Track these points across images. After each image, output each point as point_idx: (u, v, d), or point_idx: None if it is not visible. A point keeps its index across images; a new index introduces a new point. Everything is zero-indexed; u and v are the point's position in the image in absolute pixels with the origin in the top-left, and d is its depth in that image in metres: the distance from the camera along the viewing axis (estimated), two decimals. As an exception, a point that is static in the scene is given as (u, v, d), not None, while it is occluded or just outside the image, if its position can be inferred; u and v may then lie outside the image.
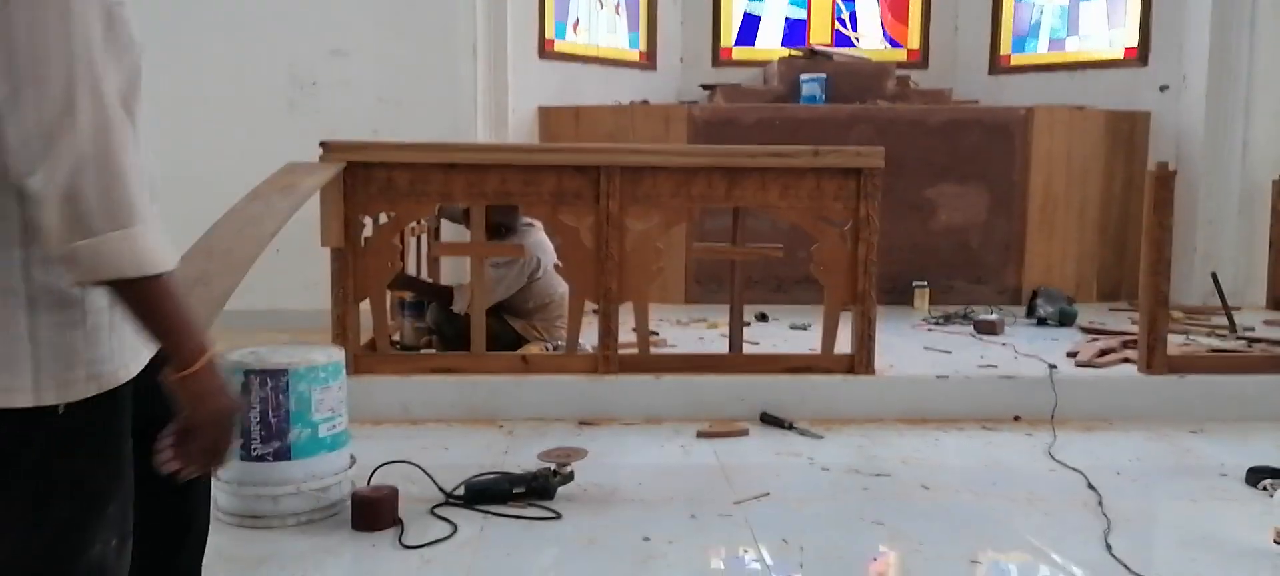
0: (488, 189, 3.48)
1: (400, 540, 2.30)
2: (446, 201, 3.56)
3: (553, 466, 2.67)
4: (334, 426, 2.48)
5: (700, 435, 3.32)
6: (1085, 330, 4.77)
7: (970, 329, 4.77)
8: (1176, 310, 5.36)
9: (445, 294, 3.85)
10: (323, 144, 3.37)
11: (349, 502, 2.44)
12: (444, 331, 3.84)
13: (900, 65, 6.85)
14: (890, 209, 5.76)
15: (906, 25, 6.98)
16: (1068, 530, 2.45)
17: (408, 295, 4.00)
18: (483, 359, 3.54)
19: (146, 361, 1.22)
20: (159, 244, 1.06)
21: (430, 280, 4.18)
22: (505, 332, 3.84)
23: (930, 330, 4.82)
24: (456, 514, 2.49)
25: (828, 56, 6.38)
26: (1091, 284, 6.10)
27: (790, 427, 3.40)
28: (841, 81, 6.25)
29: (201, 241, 2.68)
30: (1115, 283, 6.20)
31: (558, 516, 2.49)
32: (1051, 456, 3.09)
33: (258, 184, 3.10)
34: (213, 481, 1.54)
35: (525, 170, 3.47)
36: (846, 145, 5.62)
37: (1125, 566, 2.20)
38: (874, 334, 3.62)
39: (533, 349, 3.76)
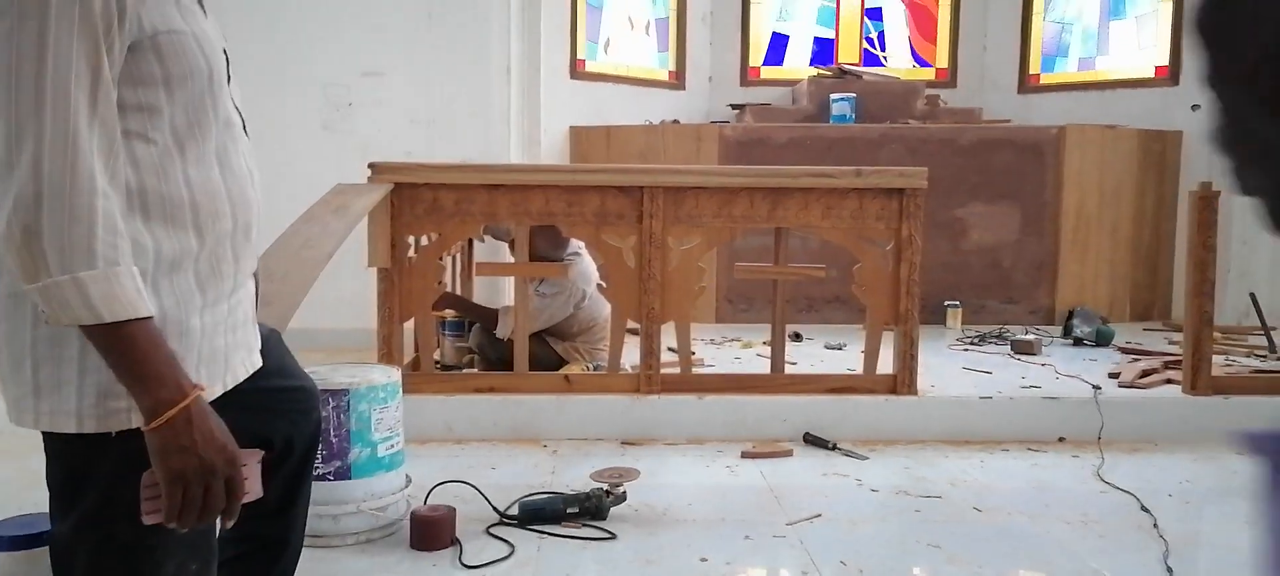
0: (532, 209, 3.50)
1: (460, 559, 2.31)
2: (491, 221, 3.58)
3: (606, 487, 2.67)
4: (392, 446, 2.50)
5: (745, 455, 3.32)
6: (1123, 350, 4.75)
7: (1007, 349, 4.76)
8: (1214, 331, 5.33)
9: (490, 316, 3.87)
10: (371, 165, 3.41)
11: (407, 522, 2.46)
12: (486, 353, 3.86)
13: (929, 84, 6.86)
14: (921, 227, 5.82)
15: (935, 44, 6.99)
16: (1125, 551, 2.44)
17: (449, 314, 4.02)
18: (525, 379, 3.56)
19: (237, 377, 1.22)
20: (123, 290, 1.01)
21: (475, 301, 4.20)
22: (546, 355, 3.85)
23: (966, 350, 4.81)
24: (512, 533, 2.51)
25: (857, 76, 6.40)
26: (1125, 304, 6.07)
27: (834, 448, 3.40)
28: (871, 100, 6.26)
29: (259, 264, 2.71)
30: (1148, 303, 6.17)
31: (613, 537, 2.50)
32: (1100, 478, 3.08)
33: (310, 205, 3.14)
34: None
35: (569, 191, 3.50)
36: (879, 165, 5.73)
37: (1189, 590, 2.19)
38: (917, 354, 3.61)
39: (574, 369, 3.77)
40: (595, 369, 3.86)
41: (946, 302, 5.68)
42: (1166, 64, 6.33)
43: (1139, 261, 6.10)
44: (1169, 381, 3.84)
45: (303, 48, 5.38)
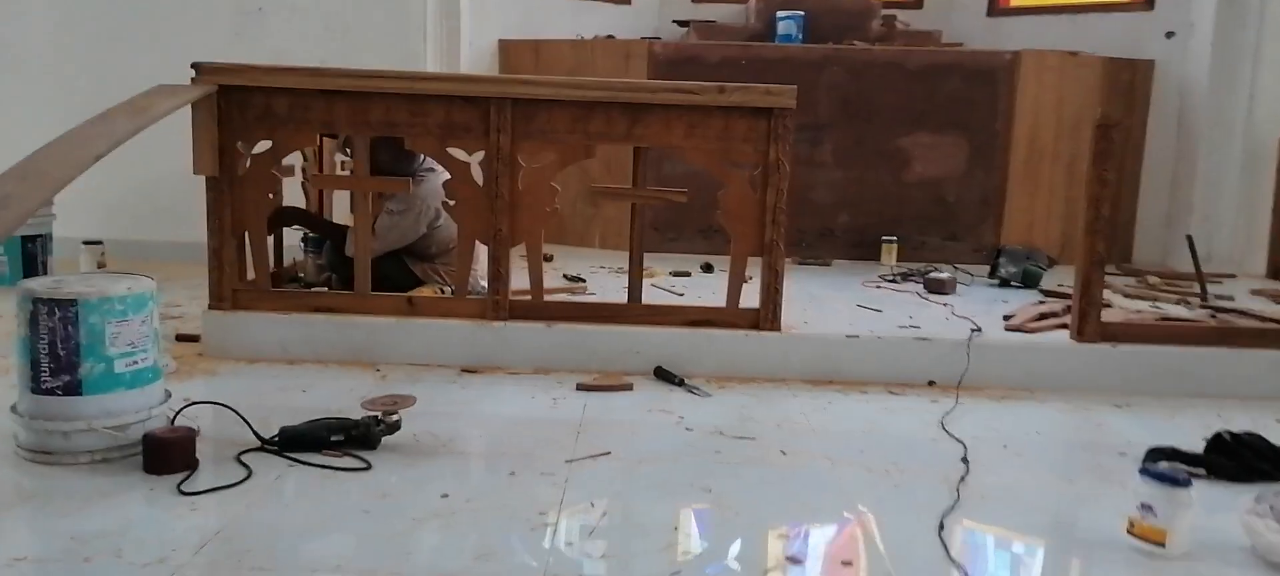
0: (372, 119, 3.29)
1: (179, 486, 2.17)
2: (328, 130, 3.39)
3: (377, 415, 2.51)
4: (134, 362, 2.34)
5: (580, 387, 3.14)
6: (1048, 293, 4.46)
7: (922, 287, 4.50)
8: (1155, 276, 5.02)
9: (339, 233, 3.70)
10: (194, 65, 3.21)
11: (146, 443, 2.32)
12: (340, 271, 3.70)
13: (894, 4, 6.47)
14: (861, 158, 5.53)
15: (901, -38, 6.57)
16: (907, 505, 2.23)
17: (307, 232, 3.85)
18: (367, 299, 3.39)
19: None
20: None
21: (325, 218, 4.01)
22: (404, 276, 3.68)
23: (879, 287, 4.55)
24: (266, 460, 2.36)
25: (809, -7, 6.03)
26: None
27: (681, 384, 3.21)
28: (822, 20, 5.91)
29: (23, 161, 2.56)
30: (1107, 243, 5.81)
31: (367, 467, 2.35)
32: (942, 426, 2.86)
33: (116, 105, 2.97)
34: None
35: (412, 99, 3.28)
36: (819, 88, 5.41)
37: (945, 550, 1.98)
38: (781, 287, 3.38)
39: (424, 291, 3.59)
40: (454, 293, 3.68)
41: (884, 238, 5.41)
42: (1143, -13, 5.89)
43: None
44: (1063, 326, 3.57)
45: (212, -51, 5.17)
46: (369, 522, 2.04)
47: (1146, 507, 2.01)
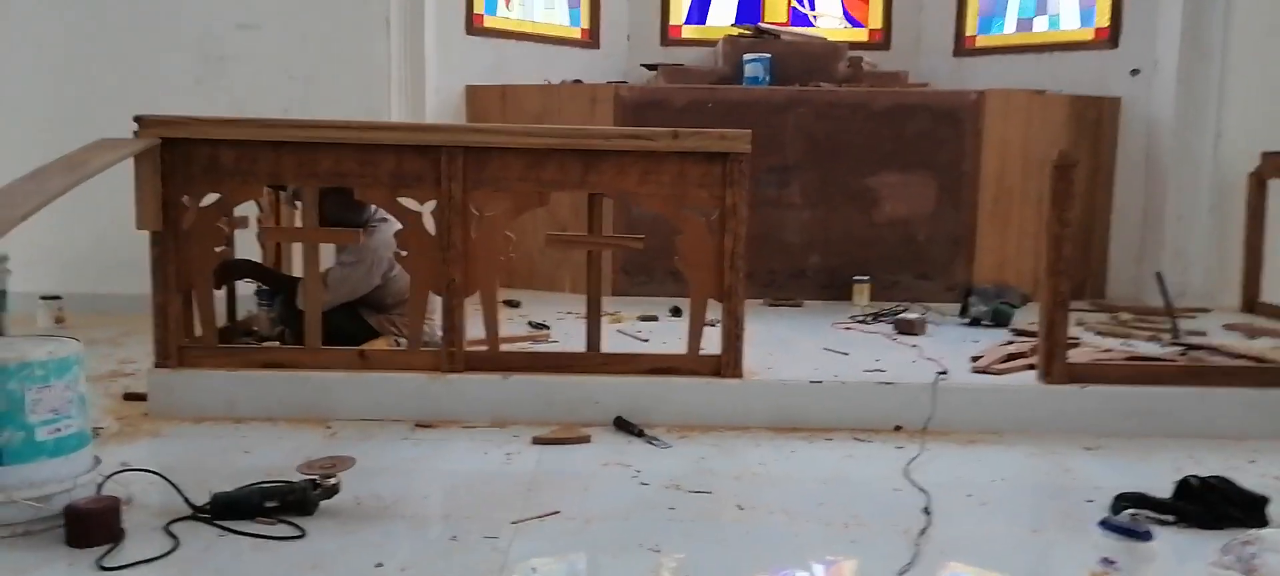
0: (320, 170, 3.22)
1: (99, 561, 2.06)
2: (275, 182, 3.31)
3: (314, 478, 2.41)
4: (58, 429, 2.24)
5: (536, 441, 3.05)
6: (1019, 332, 4.41)
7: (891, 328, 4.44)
8: (1127, 312, 4.98)
9: (292, 285, 3.61)
10: (136, 118, 3.14)
11: (67, 515, 2.21)
12: (293, 325, 3.60)
13: (861, 46, 6.48)
14: (828, 198, 5.49)
15: (868, 3, 6.60)
16: (864, 563, 2.15)
17: (260, 284, 3.76)
18: (317, 354, 3.30)
19: None
20: None
21: (278, 271, 3.93)
22: (358, 329, 3.58)
23: (848, 329, 4.49)
24: (196, 530, 2.26)
25: (775, 35, 6.04)
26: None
27: (640, 435, 3.12)
28: (789, 62, 5.90)
29: (-52, 223, 2.47)
30: (1079, 281, 5.77)
31: (302, 535, 2.24)
32: (906, 475, 2.78)
33: (54, 159, 2.89)
34: None
35: (361, 149, 3.21)
36: (786, 130, 5.39)
37: (899, 615, 1.90)
38: (742, 333, 3.31)
39: (378, 344, 3.50)
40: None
41: (855, 278, 5.35)
42: (1108, 26, 5.91)
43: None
44: (1032, 367, 3.51)
45: (174, -2, 5.12)
46: (297, 596, 1.94)
47: (1108, 561, 1.94)
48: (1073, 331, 4.35)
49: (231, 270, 3.61)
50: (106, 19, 5.14)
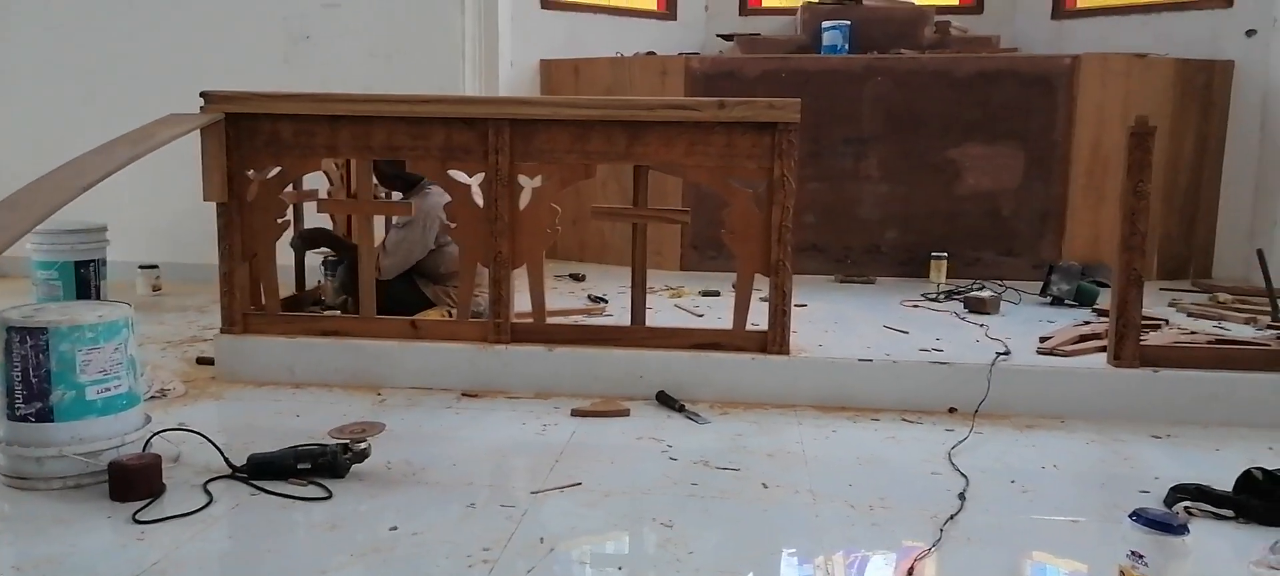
0: (374, 143, 3.30)
1: (134, 515, 2.17)
2: (332, 155, 3.40)
3: (345, 442, 2.48)
4: (107, 389, 2.37)
5: (575, 413, 3.06)
6: (1101, 313, 4.16)
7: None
8: (1226, 293, 4.64)
9: (353, 253, 3.71)
10: (203, 94, 3.28)
11: (117, 469, 2.34)
12: (355, 294, 3.70)
13: (950, 10, 6.21)
14: (907, 170, 5.30)
15: (959, -33, 6.31)
16: (880, 547, 2.07)
17: (328, 254, 3.88)
18: (371, 322, 3.39)
19: None
20: None
21: (349, 240, 4.04)
22: (416, 298, 3.67)
23: (915, 306, 4.33)
24: (233, 488, 2.36)
25: (857, 1, 5.84)
26: (1151, 260, 5.36)
27: (681, 410, 3.09)
28: (870, 28, 5.71)
29: (19, 191, 2.63)
30: (1182, 259, 5.44)
31: (329, 496, 2.32)
32: (949, 458, 2.66)
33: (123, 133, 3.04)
34: None
35: (412, 123, 3.27)
36: (863, 100, 5.21)
37: (903, 603, 1.82)
38: (789, 309, 3.23)
39: (431, 314, 3.58)
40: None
41: (933, 254, 5.15)
42: (1221, -18, 5.48)
43: (1171, 212, 5.36)
44: (1104, 349, 3.31)
45: (262, -21, 5.32)
46: (304, 556, 2.00)
47: (1136, 555, 1.81)
48: (1164, 312, 4.11)
49: (310, 239, 3.74)
50: (196, 5, 5.37)
